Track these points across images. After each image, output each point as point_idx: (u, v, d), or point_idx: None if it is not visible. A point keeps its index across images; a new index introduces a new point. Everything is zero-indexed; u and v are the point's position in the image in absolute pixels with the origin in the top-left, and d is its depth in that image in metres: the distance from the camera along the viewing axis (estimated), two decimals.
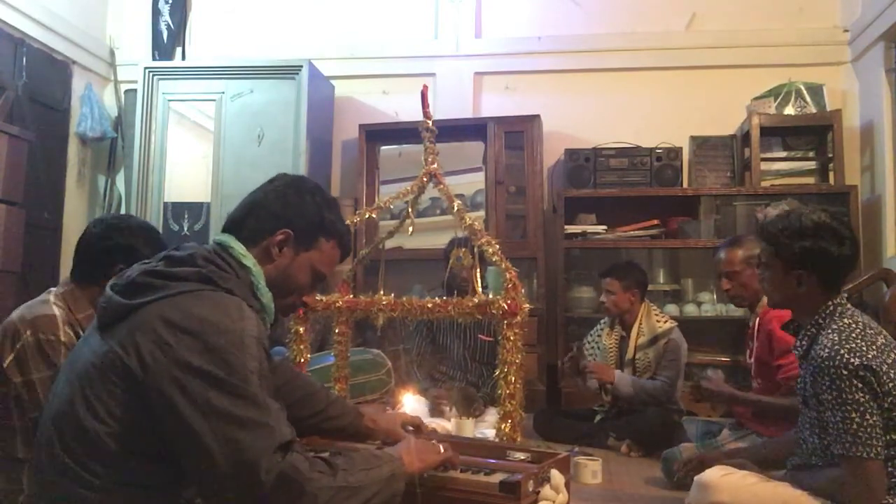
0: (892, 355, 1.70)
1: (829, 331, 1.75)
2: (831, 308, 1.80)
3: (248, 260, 1.34)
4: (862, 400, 1.63)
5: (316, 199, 1.41)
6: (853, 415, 1.63)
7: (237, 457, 1.10)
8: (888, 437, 1.66)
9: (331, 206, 1.44)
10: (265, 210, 1.38)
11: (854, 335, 1.71)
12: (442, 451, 1.44)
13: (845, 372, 1.64)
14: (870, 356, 1.66)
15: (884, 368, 1.65)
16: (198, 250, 1.31)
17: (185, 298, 1.21)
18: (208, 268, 1.27)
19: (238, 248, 1.34)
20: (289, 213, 1.38)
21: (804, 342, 1.83)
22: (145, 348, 1.15)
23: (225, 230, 1.39)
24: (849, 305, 1.83)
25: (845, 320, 1.76)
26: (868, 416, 1.62)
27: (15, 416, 1.78)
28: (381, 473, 1.24)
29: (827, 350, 1.70)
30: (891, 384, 1.65)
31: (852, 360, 1.65)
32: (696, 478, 1.82)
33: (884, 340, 1.73)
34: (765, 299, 2.37)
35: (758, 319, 2.66)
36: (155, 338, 1.15)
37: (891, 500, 1.67)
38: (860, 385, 1.64)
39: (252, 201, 1.40)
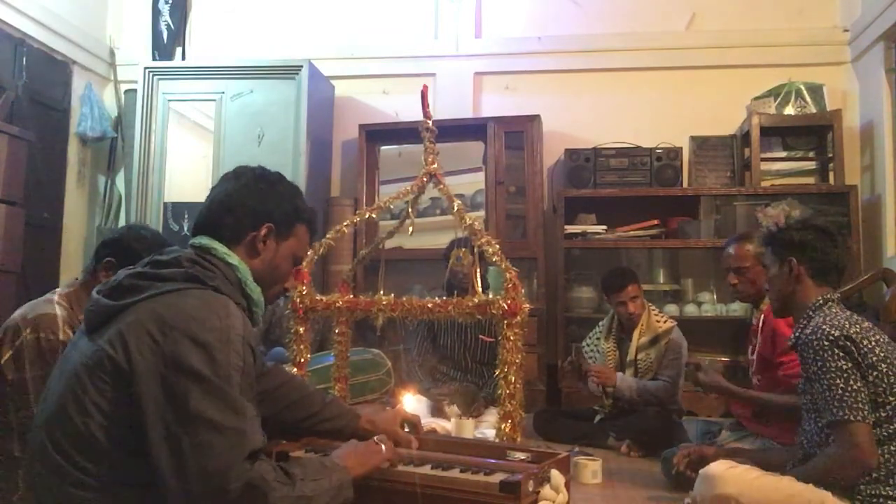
0: (878, 337, 1.79)
1: (817, 318, 1.86)
2: (821, 301, 1.90)
3: (233, 258, 1.35)
4: (844, 367, 1.73)
5: (286, 189, 1.45)
6: (837, 381, 1.72)
7: (208, 462, 1.11)
8: (877, 415, 1.72)
9: (298, 193, 1.48)
10: (243, 207, 1.39)
11: (839, 317, 1.82)
12: (384, 450, 1.45)
13: (826, 342, 1.75)
14: (851, 331, 1.77)
15: (865, 342, 1.75)
16: (182, 253, 1.33)
17: (172, 296, 1.22)
18: (194, 268, 1.28)
19: (220, 248, 1.35)
20: (267, 206, 1.40)
21: (796, 333, 1.91)
22: (133, 344, 1.16)
23: (199, 233, 1.40)
24: (840, 303, 1.93)
25: (833, 310, 1.87)
26: (852, 382, 1.72)
27: (11, 413, 1.81)
28: (330, 483, 1.26)
29: (811, 329, 1.82)
30: (874, 358, 1.74)
31: (832, 331, 1.77)
32: (701, 471, 1.85)
33: (869, 325, 1.83)
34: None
35: (762, 316, 2.65)
36: (142, 334, 1.17)
37: (890, 492, 1.68)
38: (841, 354, 1.74)
39: (225, 200, 1.40)
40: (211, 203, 1.42)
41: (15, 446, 1.80)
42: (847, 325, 1.78)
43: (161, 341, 1.16)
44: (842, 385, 1.71)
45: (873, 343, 1.76)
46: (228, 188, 1.42)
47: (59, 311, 1.88)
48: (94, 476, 1.16)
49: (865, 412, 1.69)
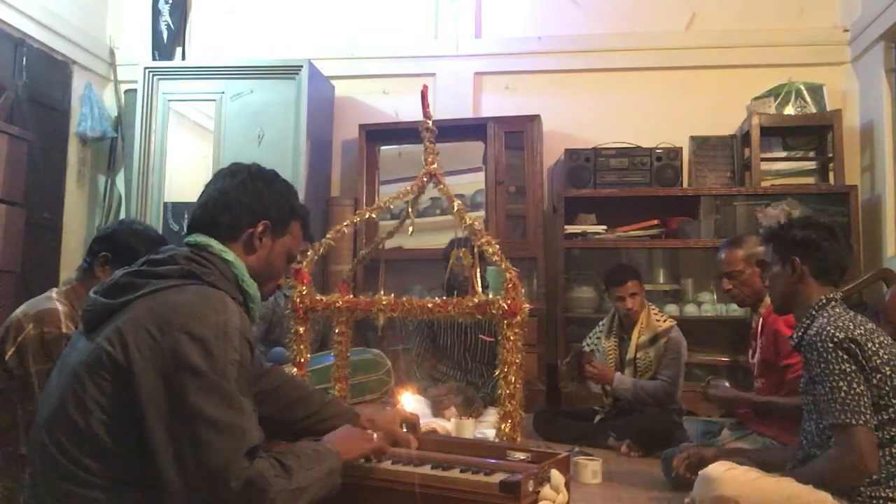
0: (882, 339, 1.78)
1: (820, 318, 1.85)
2: (824, 301, 1.89)
3: (229, 255, 1.36)
4: (848, 370, 1.72)
5: (282, 187, 1.47)
6: (840, 384, 1.71)
7: (208, 459, 1.11)
8: (879, 417, 1.72)
9: (292, 191, 1.50)
10: (239, 204, 1.40)
11: (843, 319, 1.81)
12: (375, 438, 1.45)
13: (831, 344, 1.74)
14: (855, 333, 1.75)
15: (869, 345, 1.74)
16: (177, 251, 1.34)
17: (170, 293, 1.23)
18: (190, 265, 1.29)
19: (216, 245, 1.36)
20: (264, 203, 1.42)
21: (799, 333, 1.91)
22: (131, 341, 1.17)
23: (195, 230, 1.41)
24: (842, 303, 1.91)
25: (837, 310, 1.86)
26: (855, 385, 1.71)
27: (18, 409, 1.82)
28: (322, 470, 1.27)
29: (815, 330, 1.81)
30: (878, 361, 1.73)
31: (837, 333, 1.75)
32: (700, 472, 1.85)
33: (873, 327, 1.82)
34: (767, 299, 2.39)
35: (761, 319, 2.65)
36: (141, 331, 1.17)
37: (890, 494, 1.68)
38: (845, 356, 1.73)
39: (221, 198, 1.41)
40: (207, 200, 1.42)
41: (21, 443, 1.81)
42: (851, 327, 1.76)
43: (159, 338, 1.16)
44: (845, 388, 1.70)
45: (877, 345, 1.75)
46: (225, 186, 1.43)
47: (59, 306, 1.90)
48: (96, 474, 1.16)
49: (868, 416, 1.68)
